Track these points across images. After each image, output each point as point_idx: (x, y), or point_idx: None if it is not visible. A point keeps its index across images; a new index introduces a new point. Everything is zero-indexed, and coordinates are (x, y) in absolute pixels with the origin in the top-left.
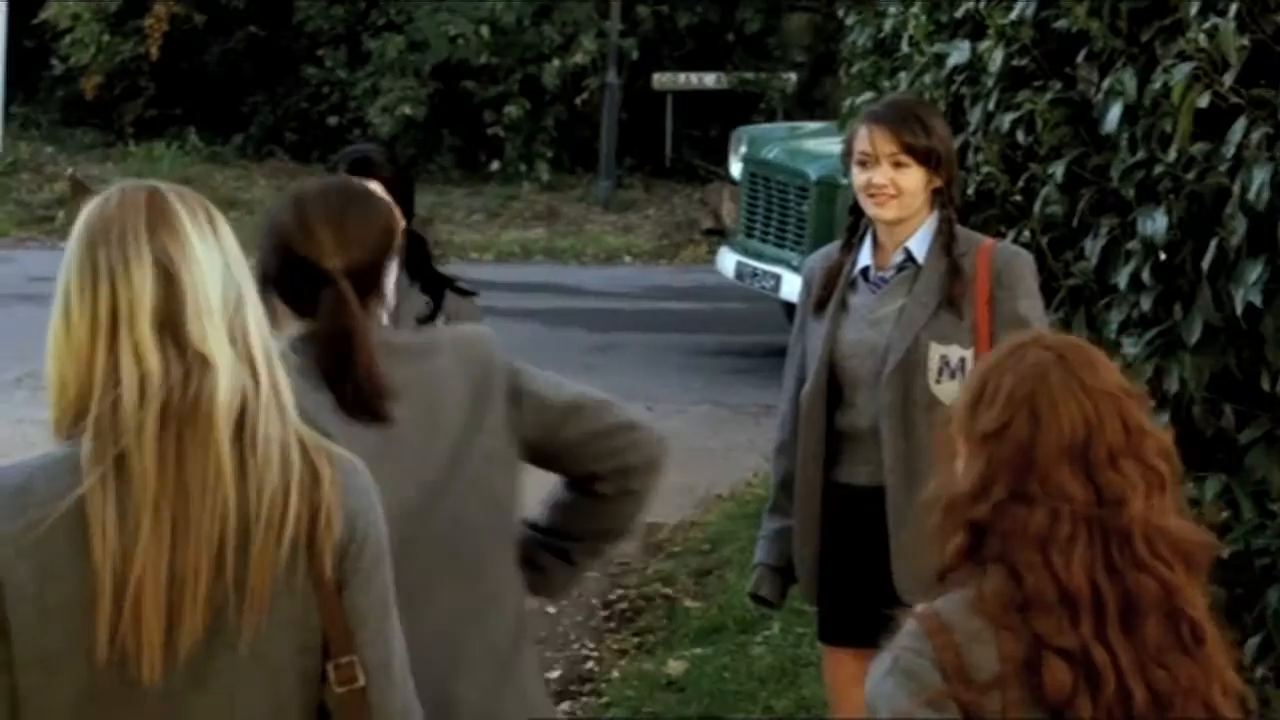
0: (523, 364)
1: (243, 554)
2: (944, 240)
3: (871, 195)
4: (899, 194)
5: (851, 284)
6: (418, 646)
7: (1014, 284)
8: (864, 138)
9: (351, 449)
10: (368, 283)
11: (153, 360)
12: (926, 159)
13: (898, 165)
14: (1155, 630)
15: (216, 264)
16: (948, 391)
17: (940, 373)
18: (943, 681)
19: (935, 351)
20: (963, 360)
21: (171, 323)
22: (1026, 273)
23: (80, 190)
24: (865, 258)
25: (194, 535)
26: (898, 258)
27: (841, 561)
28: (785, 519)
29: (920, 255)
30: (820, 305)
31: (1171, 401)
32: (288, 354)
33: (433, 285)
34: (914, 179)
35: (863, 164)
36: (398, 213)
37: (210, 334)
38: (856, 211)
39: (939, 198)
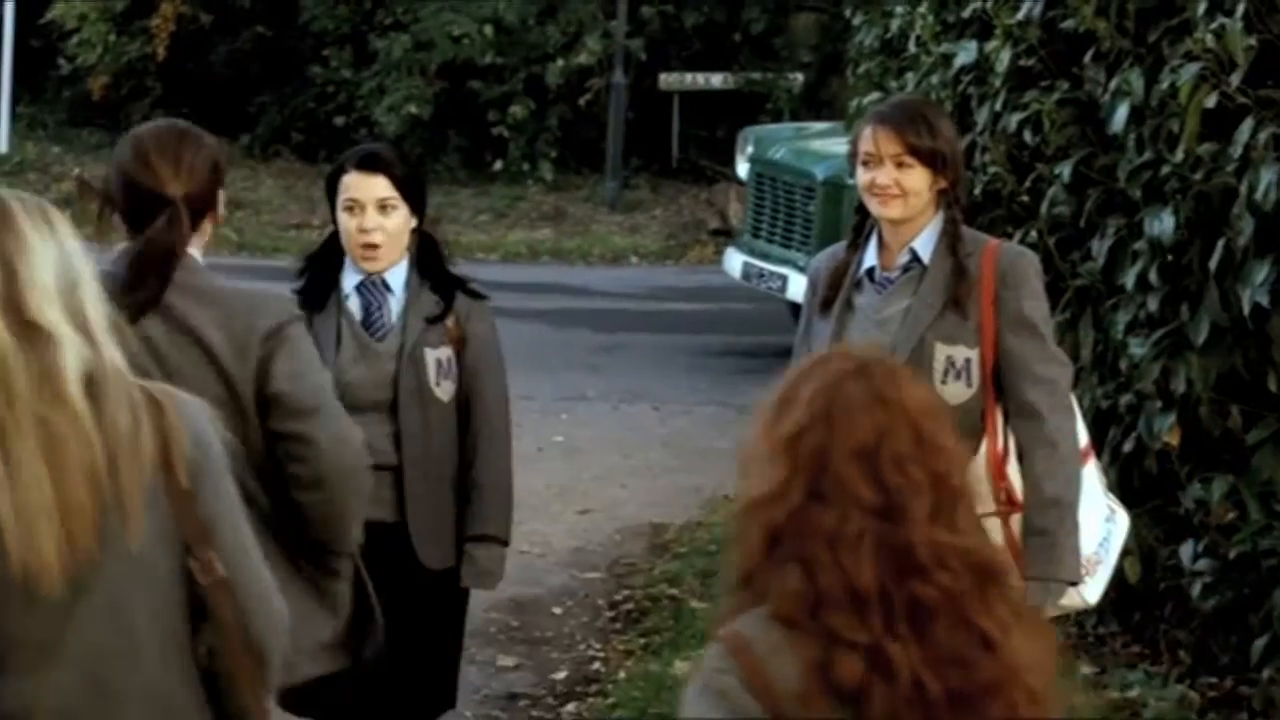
0: (296, 338)
1: (114, 479)
2: (949, 241)
3: (875, 195)
4: (903, 194)
5: (857, 284)
6: None
7: (1019, 284)
8: (868, 138)
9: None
10: (200, 209)
11: (5, 336)
12: (931, 160)
13: (901, 165)
14: (945, 633)
15: (51, 256)
16: (953, 392)
17: (946, 373)
18: (751, 698)
19: (941, 352)
20: (968, 361)
21: (14, 304)
22: (1032, 273)
23: (86, 191)
24: (871, 258)
25: (72, 471)
26: (903, 258)
27: None
28: None
29: (926, 256)
30: (826, 305)
31: (1178, 402)
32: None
33: (444, 285)
34: (918, 179)
35: (866, 164)
36: (411, 214)
37: (47, 312)
38: (863, 211)
39: (944, 198)
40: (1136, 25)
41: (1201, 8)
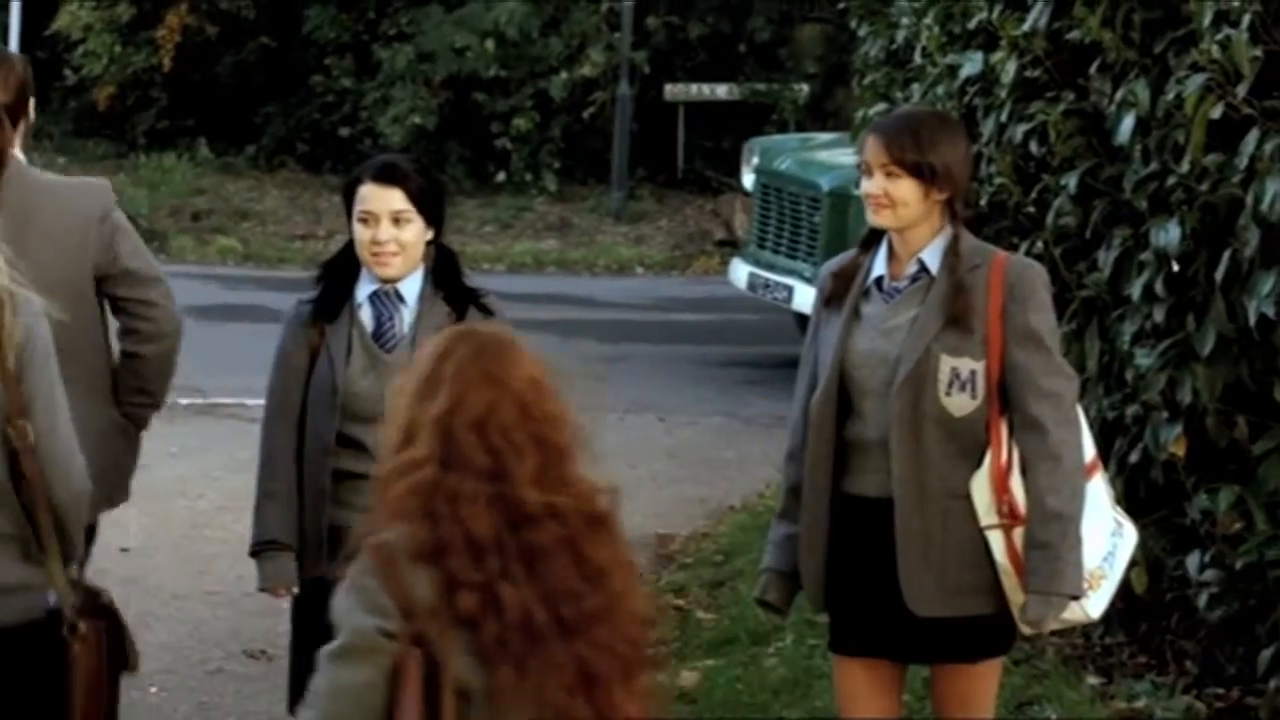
0: (123, 221)
1: None
2: (950, 255)
3: (869, 203)
4: (891, 204)
5: (865, 293)
6: None
7: (1026, 297)
8: (865, 147)
9: None
10: (15, 114)
11: None
12: (916, 171)
13: (889, 175)
14: (556, 572)
15: None
16: (958, 404)
17: (950, 385)
18: (389, 601)
19: (946, 364)
20: (973, 373)
21: None
22: (1039, 286)
23: None
24: (880, 266)
25: None
26: (911, 268)
27: (850, 572)
28: (794, 525)
29: (934, 267)
30: (830, 302)
31: (1185, 413)
32: None
33: (457, 298)
34: (905, 190)
35: (865, 173)
36: (428, 227)
37: None
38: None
39: (949, 210)
40: (1142, 36)
41: (1207, 19)
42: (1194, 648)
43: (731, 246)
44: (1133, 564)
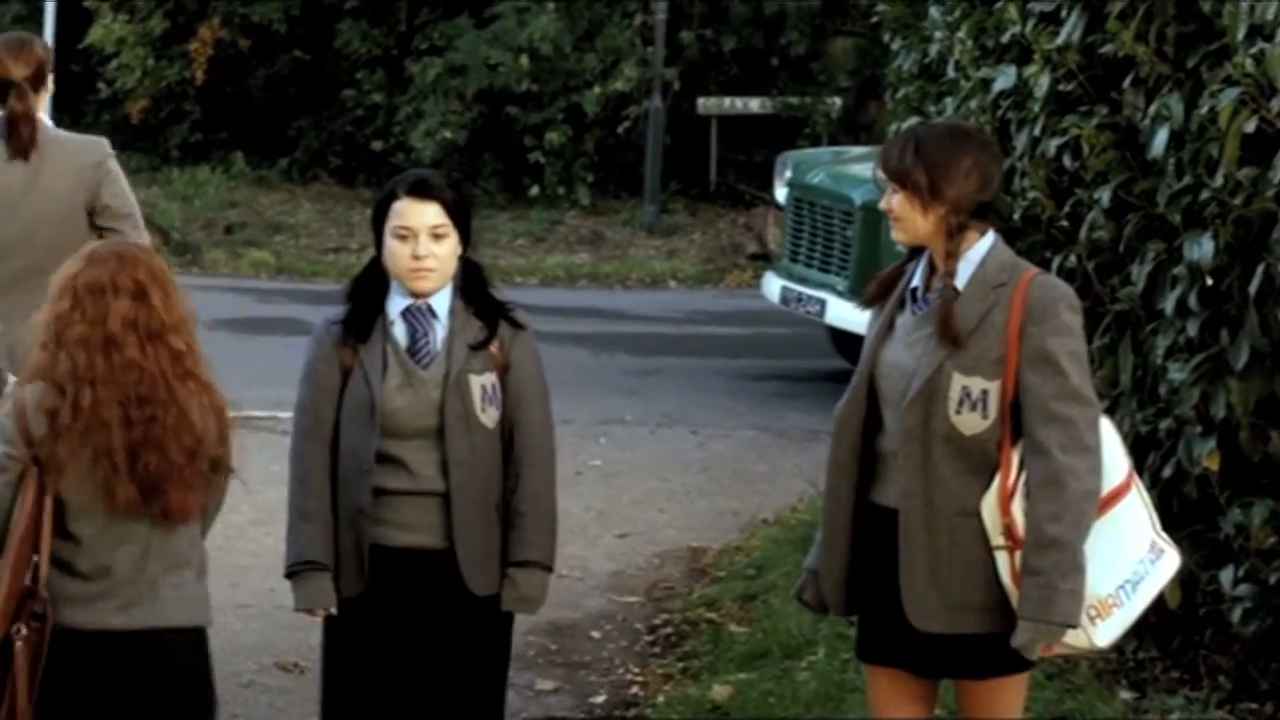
0: (115, 168)
1: None
2: (944, 275)
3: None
4: (897, 218)
5: (901, 303)
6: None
7: (1044, 319)
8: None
9: (11, 178)
10: (36, 84)
11: None
12: (903, 184)
13: (892, 189)
14: (139, 405)
15: None
16: (968, 423)
17: (961, 403)
18: (17, 436)
19: (957, 382)
20: (985, 393)
21: None
22: (1061, 307)
23: None
24: (918, 277)
25: None
26: (939, 283)
27: (871, 580)
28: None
29: (961, 282)
30: (870, 303)
31: (1218, 427)
32: None
33: (487, 312)
34: (899, 203)
35: (884, 189)
36: (460, 241)
37: None
38: None
39: (951, 225)
40: (1176, 50)
41: (1241, 32)
42: (1227, 662)
43: (764, 260)
44: None
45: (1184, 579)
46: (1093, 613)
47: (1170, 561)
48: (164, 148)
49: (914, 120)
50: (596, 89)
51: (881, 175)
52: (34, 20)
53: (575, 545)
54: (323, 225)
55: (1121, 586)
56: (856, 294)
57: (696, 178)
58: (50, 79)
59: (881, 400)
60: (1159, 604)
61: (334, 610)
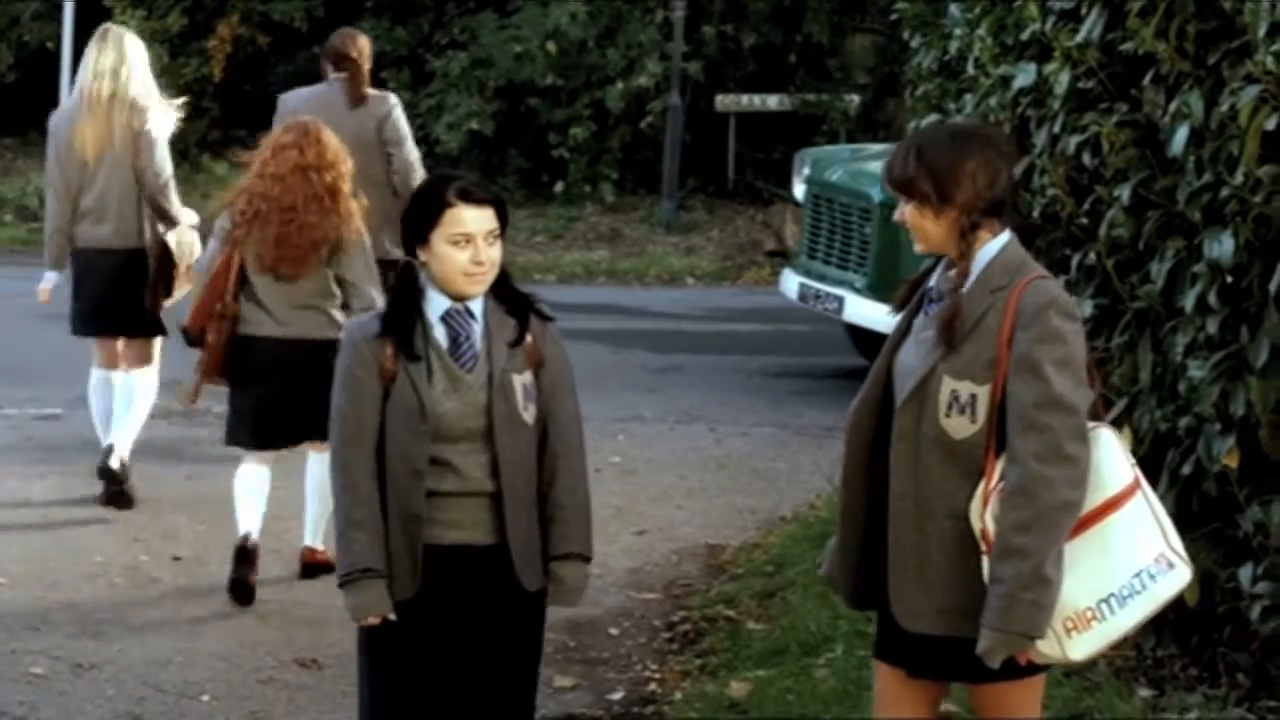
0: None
1: None
2: (956, 277)
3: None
4: (913, 229)
5: (919, 302)
6: None
7: (1031, 325)
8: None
9: (349, 119)
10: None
11: None
12: (908, 193)
13: (905, 200)
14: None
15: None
16: (956, 426)
17: (950, 406)
18: (230, 221)
19: (947, 385)
20: (973, 397)
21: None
22: (1051, 313)
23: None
24: (935, 278)
25: None
26: (948, 285)
27: (883, 579)
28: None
29: (970, 283)
30: (900, 306)
31: (1238, 424)
32: None
33: (517, 308)
34: (912, 214)
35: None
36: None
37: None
38: None
39: (963, 228)
40: (1196, 47)
41: (1262, 30)
42: (1246, 660)
43: (782, 257)
44: None
45: (1203, 577)
46: (1069, 625)
47: (1180, 576)
48: (183, 145)
49: (933, 118)
50: (620, 85)
51: (889, 188)
52: (52, 18)
53: (594, 542)
54: None
55: (1105, 600)
56: (875, 291)
57: (715, 175)
58: (368, 61)
59: (896, 398)
60: (1178, 602)
61: (392, 616)
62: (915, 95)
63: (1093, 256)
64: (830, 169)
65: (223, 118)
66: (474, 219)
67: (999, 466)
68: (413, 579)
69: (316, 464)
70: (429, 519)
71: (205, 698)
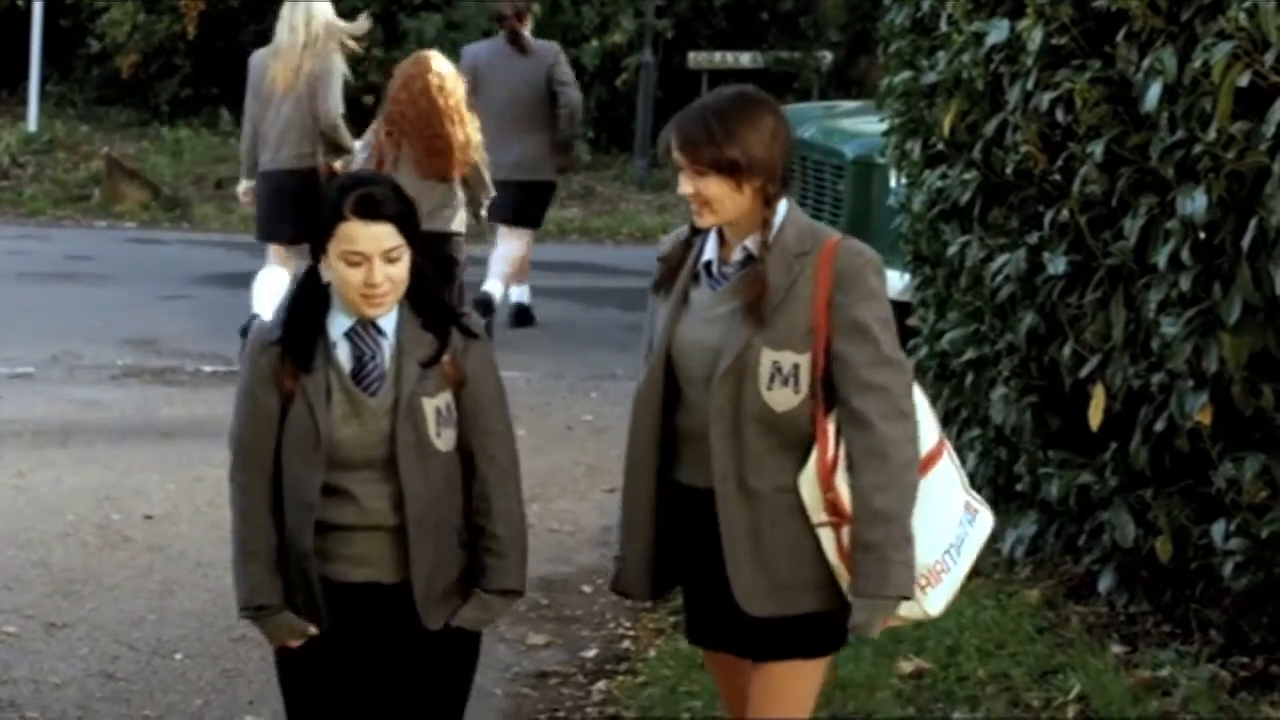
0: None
1: None
2: (760, 247)
3: (689, 203)
4: (708, 202)
5: (695, 277)
6: None
7: (853, 288)
8: (672, 146)
9: (515, 64)
10: (520, 17)
11: None
12: (718, 168)
13: (698, 174)
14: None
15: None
16: (780, 399)
17: (772, 379)
18: (377, 135)
19: (767, 357)
20: (796, 366)
21: None
22: (869, 273)
23: (116, 170)
24: (710, 251)
25: None
26: (737, 255)
27: (689, 564)
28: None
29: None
30: (657, 287)
31: (1210, 381)
32: None
33: (437, 321)
34: (715, 188)
35: (678, 170)
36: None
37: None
38: None
39: (769, 195)
40: (1169, 4)
41: None
42: (1219, 616)
43: None
44: (1157, 532)
45: (1175, 533)
46: (923, 581)
47: (985, 521)
48: (154, 103)
49: (906, 75)
50: (595, 42)
51: (679, 161)
52: None
53: (566, 500)
54: None
55: (947, 551)
56: None
57: None
58: (528, 15)
59: (682, 378)
60: (1151, 558)
61: (313, 630)
62: (888, 52)
63: (1065, 213)
64: (803, 126)
65: (195, 76)
66: (369, 237)
67: (831, 433)
68: (313, 615)
69: None
70: (332, 554)
71: (178, 656)
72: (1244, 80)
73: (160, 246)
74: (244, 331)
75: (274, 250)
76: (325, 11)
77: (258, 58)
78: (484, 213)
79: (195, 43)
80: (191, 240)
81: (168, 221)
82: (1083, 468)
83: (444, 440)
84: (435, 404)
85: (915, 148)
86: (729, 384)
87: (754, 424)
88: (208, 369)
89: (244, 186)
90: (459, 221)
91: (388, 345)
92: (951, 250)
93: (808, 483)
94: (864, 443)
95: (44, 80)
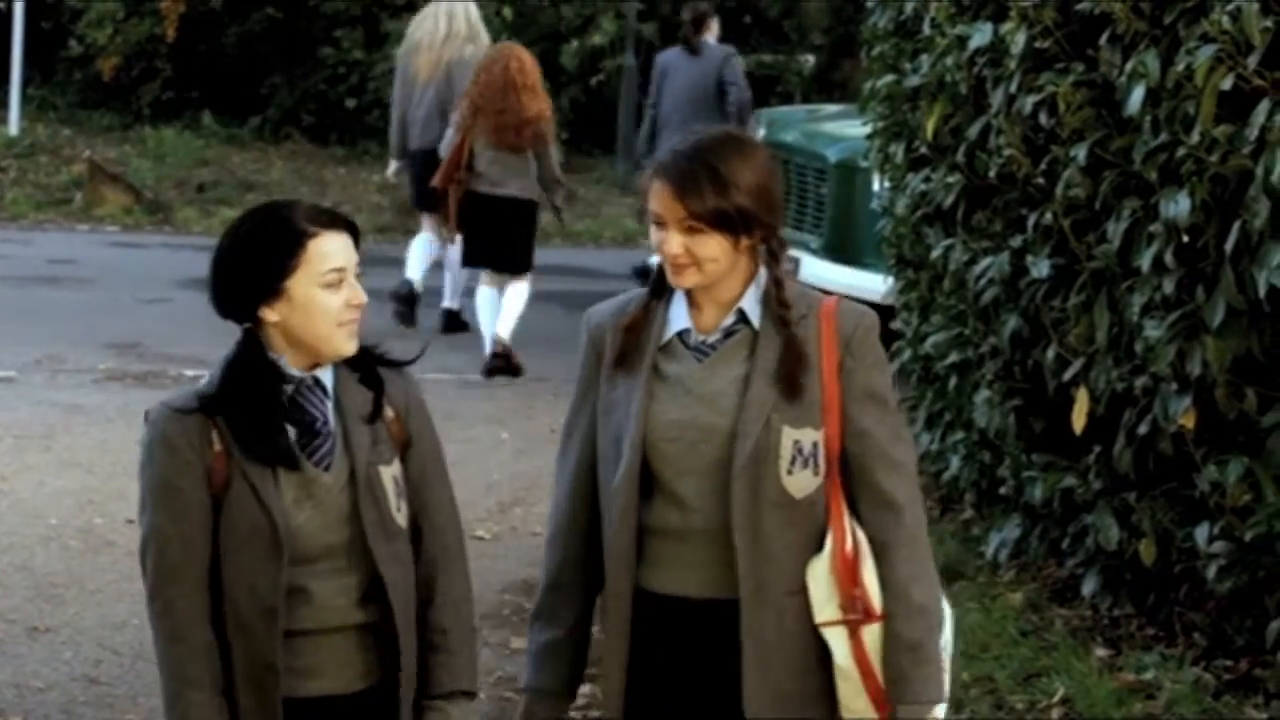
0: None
1: None
2: (777, 307)
3: (669, 263)
4: (697, 262)
5: (664, 348)
6: None
7: (866, 352)
8: (650, 193)
9: (693, 67)
10: (698, 25)
11: None
12: (720, 222)
13: (691, 231)
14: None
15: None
16: (800, 484)
17: (793, 461)
18: (463, 111)
19: (788, 437)
20: (815, 445)
21: None
22: (875, 336)
23: (98, 173)
24: (682, 319)
25: None
26: (728, 320)
27: (659, 684)
28: (557, 629)
29: (755, 318)
30: (619, 368)
31: (1194, 384)
32: None
33: (363, 366)
34: (713, 246)
35: (654, 223)
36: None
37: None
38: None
39: (761, 253)
40: (1152, 7)
41: None
42: (1202, 619)
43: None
44: (1140, 535)
45: (1159, 536)
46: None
47: (948, 611)
48: (135, 106)
49: (889, 78)
50: (574, 43)
51: (671, 214)
52: None
53: (549, 504)
54: (295, 184)
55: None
56: (831, 252)
57: None
58: (712, 22)
59: (669, 469)
60: (1134, 561)
61: None
62: (871, 55)
63: (1049, 216)
64: (786, 130)
65: (175, 79)
66: (343, 248)
67: (846, 518)
68: None
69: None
70: (301, 670)
71: None
72: (1227, 83)
73: (142, 250)
74: (397, 296)
75: (425, 218)
76: (469, 12)
77: (403, 51)
78: (559, 202)
79: (176, 45)
80: (173, 244)
81: (150, 225)
82: (1066, 471)
83: (402, 515)
84: (391, 473)
85: (898, 151)
86: (750, 471)
87: (773, 515)
88: (190, 372)
89: (394, 167)
90: (529, 190)
91: (330, 406)
92: (935, 254)
93: (817, 577)
94: (895, 528)
95: (25, 83)
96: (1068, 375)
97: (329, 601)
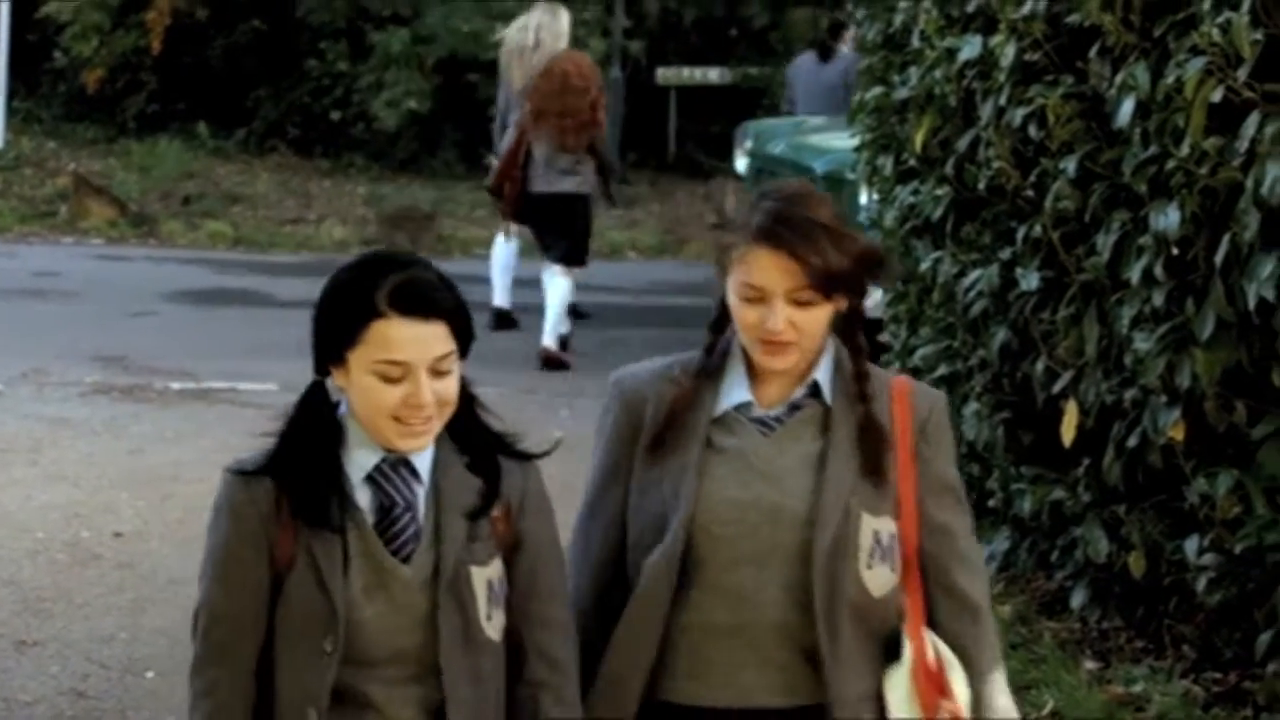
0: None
1: None
2: (854, 381)
3: (764, 342)
4: (797, 340)
5: (718, 421)
6: None
7: (941, 438)
8: (759, 266)
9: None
10: (833, 33)
11: None
12: (831, 286)
13: (800, 305)
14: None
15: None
16: (879, 580)
17: (872, 554)
18: (522, 115)
19: (868, 526)
20: (892, 538)
21: None
22: (947, 421)
23: (83, 186)
24: (741, 390)
25: None
26: (799, 393)
27: None
28: None
29: (829, 391)
30: (664, 439)
31: (1183, 397)
32: None
33: (483, 453)
34: (819, 318)
35: (752, 298)
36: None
37: None
38: (717, 328)
39: (842, 319)
40: (1142, 19)
41: (1208, 2)
42: (1192, 632)
43: (723, 230)
44: (1129, 548)
45: (1148, 549)
46: None
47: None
48: (121, 118)
49: (877, 91)
50: None
51: (783, 285)
52: None
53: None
54: (280, 196)
55: None
56: None
57: (655, 148)
58: (847, 33)
59: (712, 556)
60: (1123, 573)
61: None
62: (859, 68)
63: (1038, 229)
64: (773, 142)
65: (161, 91)
66: (415, 340)
67: (923, 622)
68: None
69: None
70: None
71: (150, 674)
72: (1217, 96)
73: (128, 263)
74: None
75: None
76: (551, 21)
77: (503, 56)
78: (613, 190)
79: (161, 58)
80: (159, 256)
81: (135, 238)
82: (1055, 483)
83: (494, 626)
84: (486, 575)
85: (887, 163)
86: (830, 563)
87: (849, 615)
88: (176, 386)
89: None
90: (585, 185)
91: (423, 493)
92: (924, 266)
93: (897, 687)
94: (976, 632)
95: (10, 95)
96: (1057, 388)
97: (395, 713)
